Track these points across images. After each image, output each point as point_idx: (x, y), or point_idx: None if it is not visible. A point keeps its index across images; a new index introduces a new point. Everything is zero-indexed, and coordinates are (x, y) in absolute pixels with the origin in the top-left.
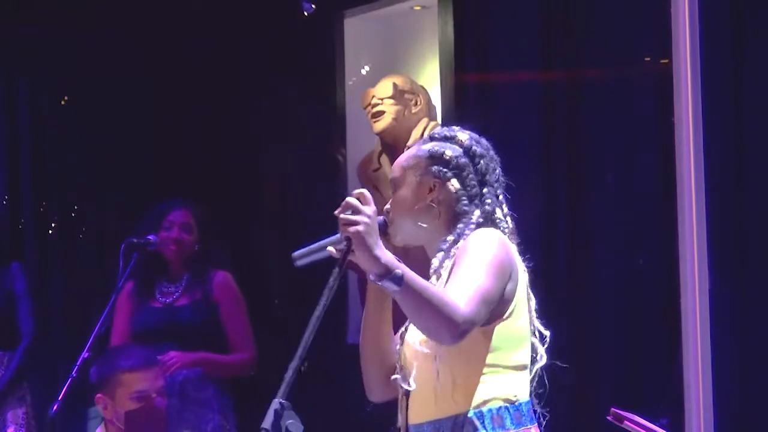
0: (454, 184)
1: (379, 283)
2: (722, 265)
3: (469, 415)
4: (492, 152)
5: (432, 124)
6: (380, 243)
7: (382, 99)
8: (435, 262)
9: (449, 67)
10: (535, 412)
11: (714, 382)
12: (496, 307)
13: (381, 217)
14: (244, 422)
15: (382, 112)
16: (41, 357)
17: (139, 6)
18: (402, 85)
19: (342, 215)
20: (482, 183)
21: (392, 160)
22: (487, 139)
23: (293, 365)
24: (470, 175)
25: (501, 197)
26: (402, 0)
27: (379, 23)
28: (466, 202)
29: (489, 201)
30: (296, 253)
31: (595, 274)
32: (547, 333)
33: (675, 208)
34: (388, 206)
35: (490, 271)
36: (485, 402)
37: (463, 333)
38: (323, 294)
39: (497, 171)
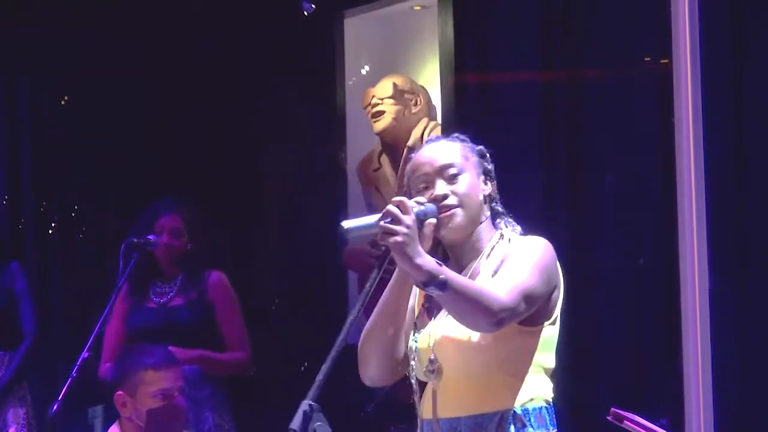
0: (493, 184)
1: (425, 289)
2: (722, 265)
3: (517, 412)
4: None
5: (432, 124)
6: (421, 250)
7: (382, 99)
8: (481, 259)
9: (449, 67)
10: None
11: (714, 382)
12: (542, 309)
13: (433, 206)
14: (240, 421)
15: (382, 112)
16: (41, 357)
17: (139, 6)
18: (402, 85)
19: (382, 223)
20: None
21: (392, 160)
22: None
23: (325, 368)
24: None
25: None
26: (402, 0)
27: (379, 23)
28: (498, 199)
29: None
30: (346, 224)
31: (595, 273)
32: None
33: (675, 208)
34: (445, 191)
35: (536, 272)
36: (531, 400)
37: (501, 321)
38: (360, 297)
39: None
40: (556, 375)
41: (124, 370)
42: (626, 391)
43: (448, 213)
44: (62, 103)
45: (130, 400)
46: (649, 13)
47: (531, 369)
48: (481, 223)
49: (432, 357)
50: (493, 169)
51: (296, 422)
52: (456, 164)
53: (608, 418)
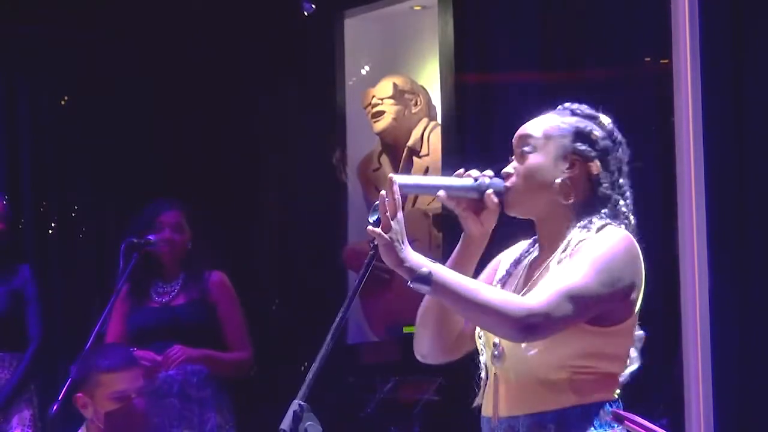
0: (597, 165)
1: (413, 287)
2: (722, 265)
3: (578, 411)
4: (625, 145)
5: (432, 124)
6: (407, 245)
7: (382, 99)
8: (557, 253)
9: (449, 67)
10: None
11: (714, 382)
12: (615, 309)
13: (501, 182)
14: (242, 421)
15: (382, 112)
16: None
17: (139, 6)
18: (402, 85)
19: (369, 228)
20: (620, 171)
21: (392, 160)
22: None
23: (314, 367)
24: (613, 161)
25: (629, 191)
26: (402, 0)
27: (379, 23)
28: (607, 185)
29: (625, 192)
30: (398, 177)
31: None
32: (640, 333)
33: (675, 208)
34: (510, 169)
35: (592, 271)
36: (595, 398)
37: (531, 327)
38: (348, 296)
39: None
40: (632, 376)
41: (81, 372)
42: (626, 391)
43: (508, 191)
44: (62, 103)
45: (89, 402)
46: (649, 13)
47: (598, 366)
48: (553, 204)
49: (496, 341)
50: (598, 149)
51: (286, 422)
52: (532, 142)
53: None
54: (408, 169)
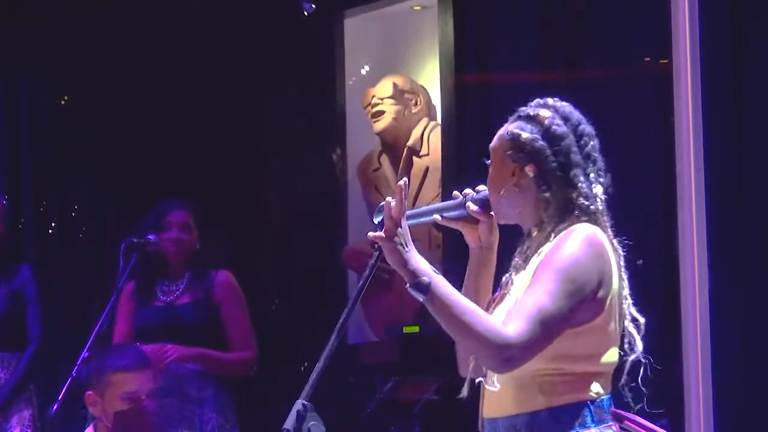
0: (530, 169)
1: (411, 291)
2: (722, 265)
3: (550, 413)
4: (583, 127)
5: (432, 124)
6: (412, 248)
7: (382, 99)
8: (517, 260)
9: (449, 67)
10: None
11: (714, 382)
12: (583, 313)
13: (484, 193)
14: (243, 421)
15: (382, 112)
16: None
17: (139, 6)
18: (402, 85)
19: (370, 234)
20: (565, 165)
21: (392, 160)
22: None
23: (318, 367)
24: (549, 158)
25: (594, 175)
26: (402, 0)
27: (379, 23)
28: (545, 188)
29: (577, 184)
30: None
31: None
32: (642, 320)
33: (675, 208)
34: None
35: (556, 286)
36: (567, 399)
37: (510, 360)
38: (353, 297)
39: (589, 145)
40: (610, 373)
41: (93, 371)
42: (626, 391)
43: (489, 202)
44: (62, 103)
45: (99, 401)
46: (649, 13)
47: (570, 367)
48: (516, 210)
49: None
50: (528, 152)
51: (290, 422)
52: (490, 154)
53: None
54: (408, 169)
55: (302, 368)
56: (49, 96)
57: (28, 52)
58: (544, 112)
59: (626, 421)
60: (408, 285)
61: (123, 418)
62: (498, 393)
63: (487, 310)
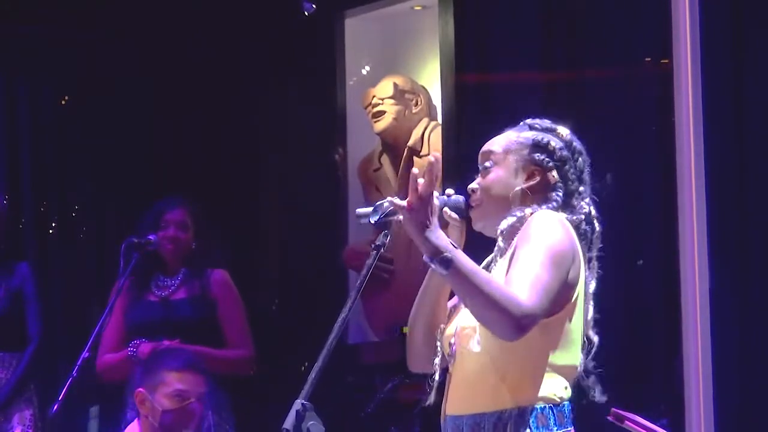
0: (554, 175)
1: (430, 265)
2: (722, 265)
3: (515, 413)
4: (585, 154)
5: (432, 124)
6: (435, 223)
7: (382, 99)
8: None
9: (449, 67)
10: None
11: (714, 382)
12: (558, 297)
13: (462, 198)
14: (243, 421)
15: (382, 112)
16: (42, 357)
17: (139, 6)
18: (402, 85)
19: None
20: (581, 180)
21: (393, 160)
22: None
23: (317, 366)
24: (571, 170)
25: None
26: (402, 0)
27: (379, 23)
28: (561, 194)
29: (587, 199)
30: (363, 210)
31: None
32: (596, 339)
33: (675, 208)
34: (474, 186)
35: (548, 260)
36: (532, 400)
37: (525, 327)
38: (351, 296)
39: (586, 169)
40: (577, 371)
41: (148, 369)
42: (626, 391)
43: (472, 207)
44: (62, 103)
45: (148, 398)
46: (649, 13)
47: (536, 367)
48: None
49: (452, 341)
50: (556, 159)
51: (289, 422)
52: (492, 157)
53: (608, 418)
54: (409, 169)
55: (302, 368)
56: (49, 96)
57: (28, 52)
58: (562, 128)
59: (626, 421)
60: (429, 259)
61: (169, 416)
62: (462, 389)
63: (449, 316)
